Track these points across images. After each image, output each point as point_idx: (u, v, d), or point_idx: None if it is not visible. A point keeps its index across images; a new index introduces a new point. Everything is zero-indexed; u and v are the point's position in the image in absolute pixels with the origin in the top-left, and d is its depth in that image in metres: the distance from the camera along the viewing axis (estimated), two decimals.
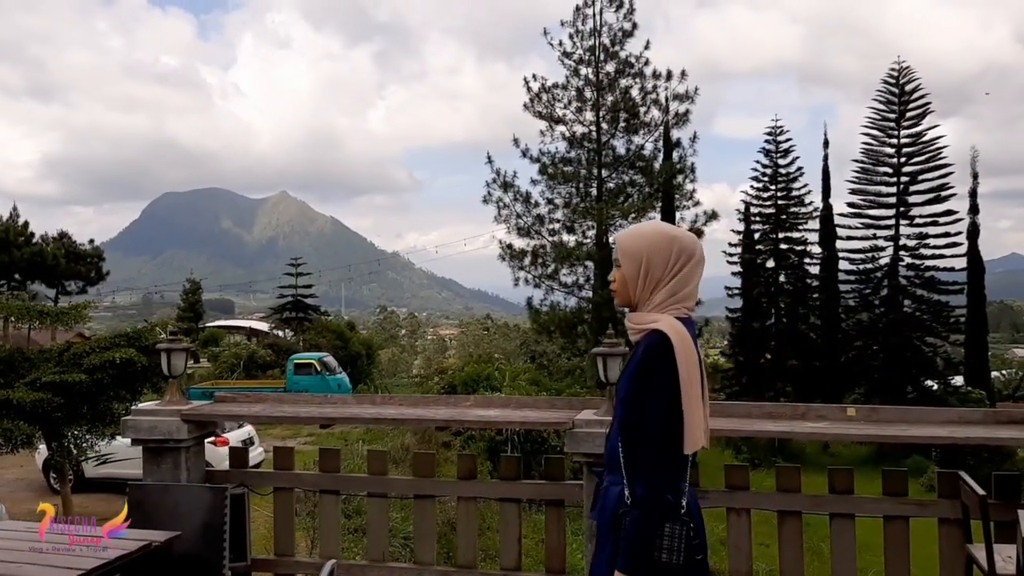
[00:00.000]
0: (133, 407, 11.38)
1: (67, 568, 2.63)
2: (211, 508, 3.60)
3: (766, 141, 32.75)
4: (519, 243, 27.01)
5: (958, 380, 30.28)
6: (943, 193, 30.53)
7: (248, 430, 15.42)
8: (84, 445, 11.30)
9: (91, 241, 39.31)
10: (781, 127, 32.67)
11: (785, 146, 32.45)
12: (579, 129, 27.30)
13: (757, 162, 32.86)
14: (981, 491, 3.16)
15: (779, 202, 32.33)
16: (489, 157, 27.18)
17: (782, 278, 32.32)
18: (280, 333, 42.79)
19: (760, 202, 32.71)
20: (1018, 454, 23.30)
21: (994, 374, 34.21)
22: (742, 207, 32.81)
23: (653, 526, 2.28)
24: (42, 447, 14.09)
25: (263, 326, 47.97)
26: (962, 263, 30.76)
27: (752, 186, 32.88)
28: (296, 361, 27.04)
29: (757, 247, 32.23)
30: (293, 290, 41.48)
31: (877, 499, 3.92)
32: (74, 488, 13.13)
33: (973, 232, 30.66)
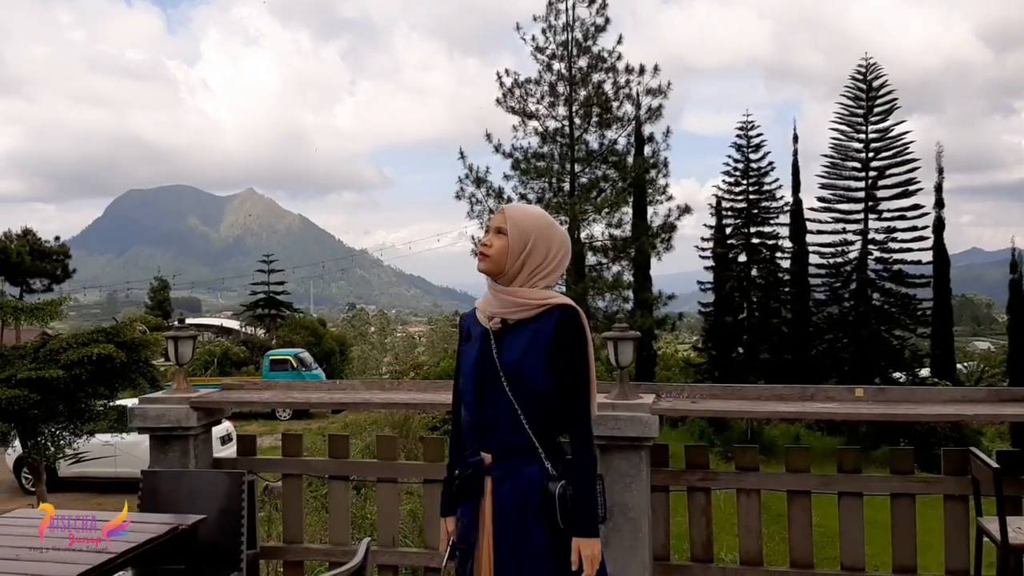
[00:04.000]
0: (111, 404, 11.21)
1: (97, 552, 2.61)
2: (228, 494, 3.57)
3: (737, 136, 33.05)
4: None
5: (924, 372, 30.78)
6: (910, 188, 30.99)
7: (227, 426, 15.29)
8: (62, 443, 11.14)
9: (57, 238, 38.68)
10: (752, 122, 32.98)
11: (756, 141, 32.76)
12: (552, 124, 27.31)
13: (729, 157, 33.14)
14: (995, 464, 3.23)
15: (751, 197, 32.62)
16: (461, 153, 27.12)
17: (754, 272, 32.63)
18: (251, 330, 42.43)
19: (732, 197, 32.99)
20: (983, 442, 23.77)
21: (958, 366, 34.80)
22: (711, 202, 33.08)
23: (596, 486, 2.48)
24: (11, 448, 13.87)
25: (233, 324, 47.54)
26: (928, 257, 31.24)
27: (724, 181, 33.17)
28: (272, 357, 26.86)
29: (729, 242, 32.51)
30: (265, 287, 41.18)
31: (885, 477, 4.00)
32: (47, 487, 12.96)
33: (939, 226, 31.14)
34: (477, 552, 2.46)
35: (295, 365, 26.24)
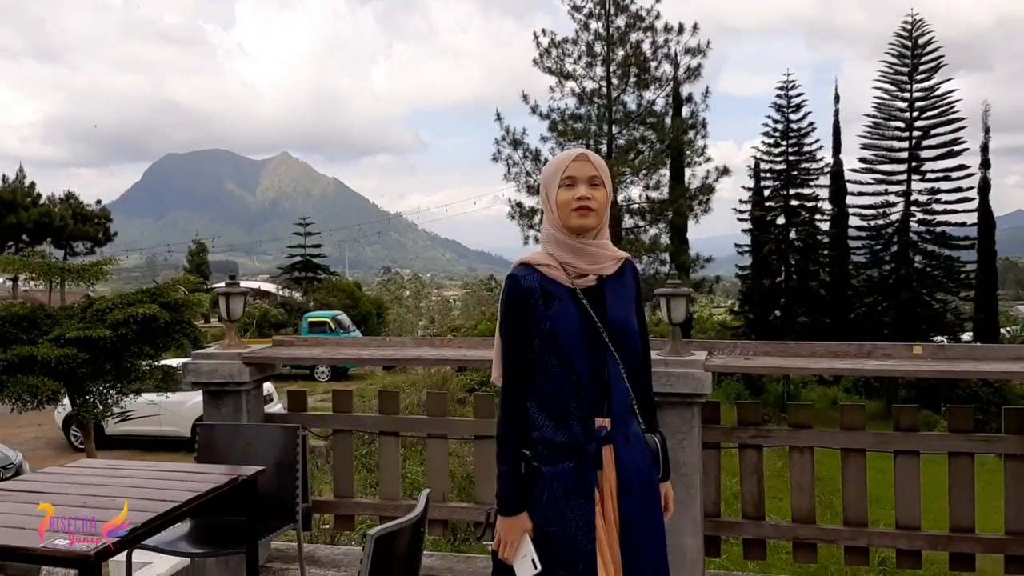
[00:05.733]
0: (156, 363, 11.39)
1: (161, 501, 2.64)
2: (283, 447, 3.60)
3: (777, 96, 32.49)
4: (529, 201, 26.91)
5: (966, 336, 30.34)
6: (955, 148, 30.31)
7: (267, 386, 15.50)
8: (109, 401, 11.34)
9: (98, 202, 39.20)
10: (793, 82, 32.40)
11: (796, 101, 32.19)
12: (589, 85, 27.08)
13: (768, 117, 32.61)
14: None
15: (790, 158, 32.13)
16: (498, 114, 27.01)
17: (792, 235, 32.24)
18: (288, 293, 42.82)
19: (771, 158, 32.52)
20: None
21: (1002, 331, 34.24)
22: (750, 164, 32.66)
23: None
24: (60, 406, 14.16)
25: (270, 287, 47.96)
26: (973, 219, 30.64)
27: (763, 142, 32.68)
28: (310, 319, 27.12)
29: (767, 204, 32.12)
30: (302, 250, 41.46)
31: (943, 436, 3.93)
32: (95, 445, 13.23)
33: (984, 188, 30.50)
34: (598, 538, 2.25)
35: (333, 327, 26.46)
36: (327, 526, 6.42)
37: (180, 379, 12.46)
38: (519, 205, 26.89)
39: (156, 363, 11.54)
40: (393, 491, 4.44)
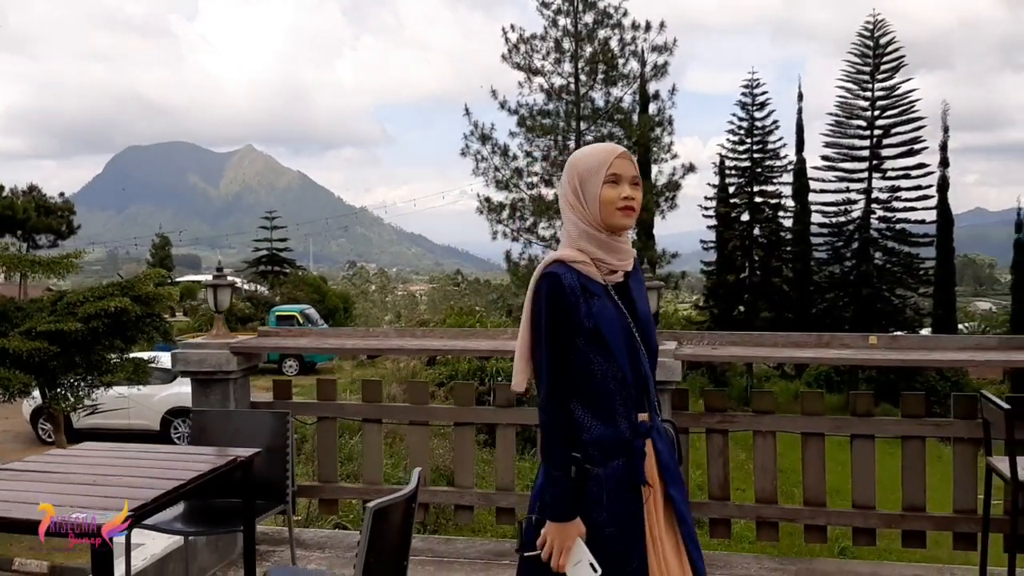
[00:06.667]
0: (127, 356, 11.42)
1: (167, 479, 2.79)
2: (274, 432, 3.74)
3: (742, 94, 33.04)
4: (497, 196, 27.06)
5: (925, 331, 31.02)
6: (915, 146, 31.05)
7: None
8: (80, 394, 11.36)
9: (61, 194, 38.73)
10: (758, 80, 32.96)
11: (761, 99, 32.78)
12: (557, 81, 27.28)
13: (733, 115, 33.17)
14: (1007, 406, 3.41)
15: (754, 155, 32.68)
16: (467, 109, 27.09)
17: (756, 231, 32.78)
18: (254, 287, 42.59)
19: (736, 155, 33.06)
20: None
21: (960, 326, 35.05)
22: (715, 161, 33.16)
23: None
24: (28, 399, 14.09)
25: (235, 280, 47.53)
26: (932, 216, 31.38)
27: (728, 139, 33.24)
28: (278, 313, 27.10)
29: (732, 201, 32.62)
30: (268, 244, 41.31)
31: (896, 420, 4.19)
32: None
33: (943, 186, 31.24)
34: (649, 532, 2.25)
35: (301, 321, 26.45)
36: (298, 518, 6.56)
37: (151, 372, 12.50)
38: (487, 200, 27.04)
39: (127, 356, 11.55)
40: (376, 476, 4.61)
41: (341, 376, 23.35)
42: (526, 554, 2.27)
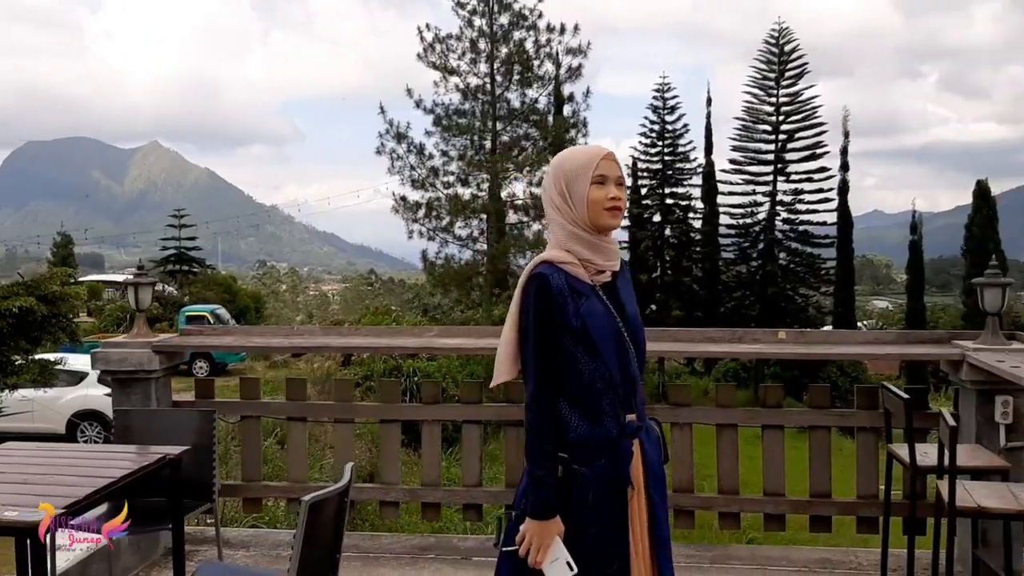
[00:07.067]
0: (33, 358, 11.06)
1: (97, 478, 2.78)
2: (200, 431, 3.73)
3: (654, 98, 33.73)
4: (413, 195, 27.04)
5: (827, 329, 32.21)
6: (818, 151, 32.23)
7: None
8: None
9: None
10: (669, 84, 33.70)
11: (672, 103, 33.52)
12: (473, 81, 27.43)
13: (645, 118, 33.85)
14: (906, 396, 3.64)
15: (666, 158, 33.42)
16: (382, 107, 27.01)
17: (668, 232, 33.53)
18: (161, 287, 41.41)
19: (647, 158, 33.74)
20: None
21: (859, 324, 36.50)
22: (627, 164, 33.75)
23: None
24: None
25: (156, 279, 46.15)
26: (833, 218, 32.59)
27: (640, 142, 33.91)
28: (188, 313, 26.48)
29: (644, 202, 33.28)
30: (176, 242, 40.24)
31: (803, 411, 4.42)
32: None
33: (843, 189, 32.44)
34: (631, 533, 2.27)
35: (212, 321, 25.87)
36: (209, 522, 6.48)
37: (57, 374, 12.11)
38: (403, 199, 26.98)
39: (32, 358, 11.17)
40: (301, 474, 4.62)
41: (252, 377, 23.00)
42: (504, 548, 2.28)
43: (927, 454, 3.66)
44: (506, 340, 2.34)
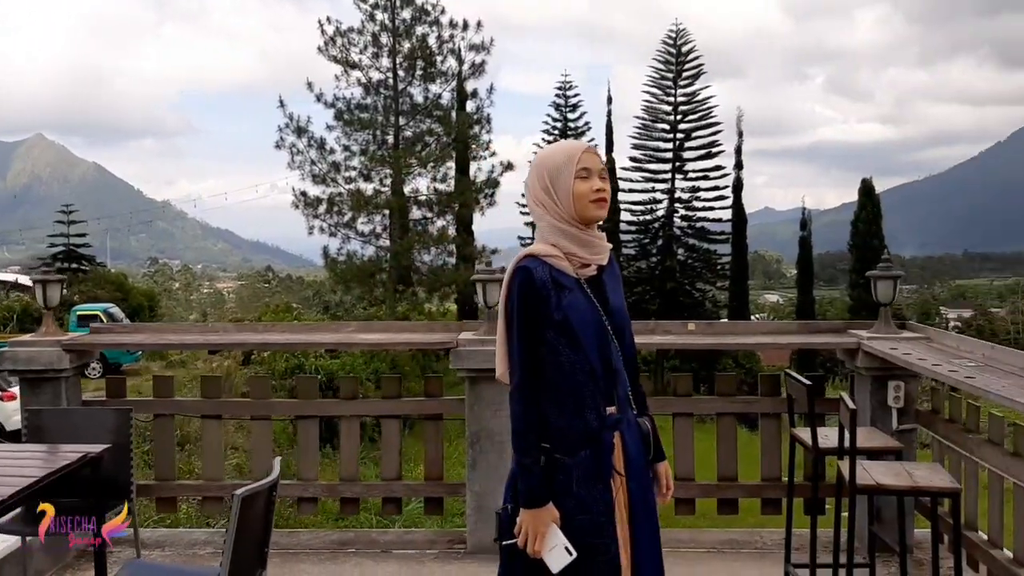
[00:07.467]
0: None
1: (20, 476, 2.73)
2: (116, 429, 3.67)
3: (556, 96, 34.14)
4: (314, 191, 26.70)
5: (722, 322, 33.24)
6: (713, 150, 33.21)
7: None
8: None
9: None
10: (570, 82, 34.16)
11: (574, 101, 33.99)
12: (376, 75, 27.27)
13: (548, 115, 34.21)
14: (808, 382, 3.85)
15: None
16: (281, 101, 26.63)
17: None
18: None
19: None
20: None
21: (752, 317, 37.81)
22: (530, 160, 34.01)
23: None
24: None
25: (27, 279, 44.27)
26: (728, 215, 33.65)
27: (543, 139, 34.20)
28: (79, 312, 25.48)
29: None
30: (64, 239, 38.69)
31: (711, 399, 4.61)
32: None
33: (738, 187, 33.56)
34: (619, 522, 2.30)
35: (105, 321, 24.99)
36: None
37: None
38: (304, 194, 26.61)
39: None
40: (216, 472, 4.57)
41: (147, 377, 22.29)
42: (504, 542, 2.29)
43: (828, 437, 3.87)
44: (500, 333, 2.37)
